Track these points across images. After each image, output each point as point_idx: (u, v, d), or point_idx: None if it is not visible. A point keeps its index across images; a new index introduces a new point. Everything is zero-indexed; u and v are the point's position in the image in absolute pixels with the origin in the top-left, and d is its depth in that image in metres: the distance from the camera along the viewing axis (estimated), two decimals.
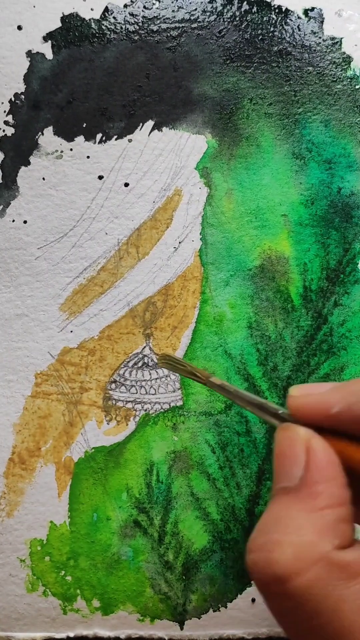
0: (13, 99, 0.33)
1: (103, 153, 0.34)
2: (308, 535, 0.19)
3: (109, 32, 0.33)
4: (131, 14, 0.33)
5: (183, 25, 0.34)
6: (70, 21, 0.33)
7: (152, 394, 0.34)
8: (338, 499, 0.20)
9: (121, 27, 0.33)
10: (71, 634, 0.33)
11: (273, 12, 0.34)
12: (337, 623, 0.18)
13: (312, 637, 0.19)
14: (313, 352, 0.34)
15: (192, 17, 0.34)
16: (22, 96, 0.33)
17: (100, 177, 0.34)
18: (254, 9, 0.34)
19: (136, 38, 0.33)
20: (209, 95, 0.34)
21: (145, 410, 0.34)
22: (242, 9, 0.34)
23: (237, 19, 0.34)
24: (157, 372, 0.34)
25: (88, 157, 0.33)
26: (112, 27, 0.33)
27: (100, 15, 0.33)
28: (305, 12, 0.34)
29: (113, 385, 0.34)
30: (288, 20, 0.34)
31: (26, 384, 0.34)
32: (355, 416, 0.21)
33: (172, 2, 0.34)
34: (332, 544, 0.19)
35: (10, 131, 0.33)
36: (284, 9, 0.34)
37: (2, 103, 0.33)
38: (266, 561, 0.19)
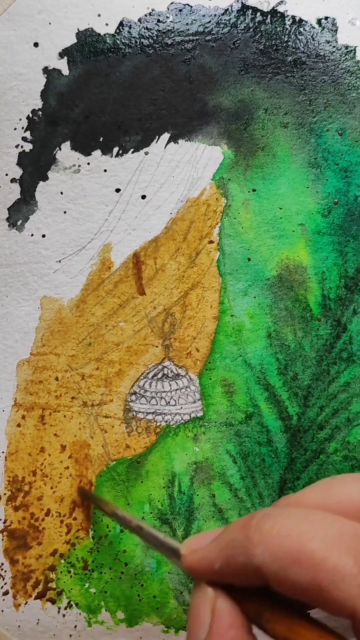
0: (31, 115, 0.33)
1: (120, 166, 0.34)
2: None
3: (124, 47, 0.33)
4: (146, 28, 0.34)
5: (197, 37, 0.34)
6: (86, 36, 0.33)
7: (173, 405, 0.34)
8: None
9: (136, 41, 0.34)
10: None
11: (287, 23, 0.34)
12: None
13: None
14: (333, 361, 0.34)
15: (205, 30, 0.34)
16: (40, 112, 0.33)
17: (118, 190, 0.34)
18: (268, 20, 0.34)
19: (151, 52, 0.34)
20: (224, 106, 0.34)
21: (166, 421, 0.34)
22: (256, 20, 0.34)
23: (251, 30, 0.34)
24: (177, 383, 0.34)
25: (105, 170, 0.34)
26: (127, 41, 0.34)
27: (115, 30, 0.33)
28: (319, 21, 0.34)
29: (133, 397, 0.34)
30: (302, 30, 0.34)
31: (47, 397, 0.34)
32: (234, 570, 0.21)
33: (186, 15, 0.34)
34: None
35: (28, 147, 0.34)
36: (297, 19, 0.34)
37: (20, 120, 0.33)
38: None
